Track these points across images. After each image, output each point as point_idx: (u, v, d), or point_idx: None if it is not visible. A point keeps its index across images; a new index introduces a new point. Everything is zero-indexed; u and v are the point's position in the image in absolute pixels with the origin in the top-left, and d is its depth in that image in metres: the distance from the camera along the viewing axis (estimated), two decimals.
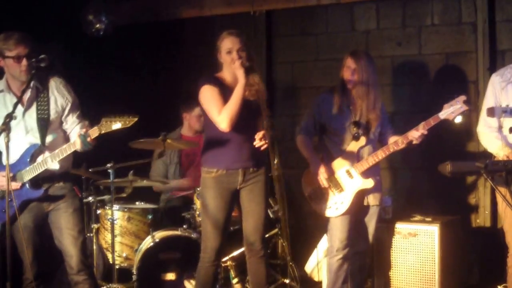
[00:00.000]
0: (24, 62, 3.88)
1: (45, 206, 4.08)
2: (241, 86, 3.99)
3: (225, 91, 4.08)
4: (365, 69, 4.38)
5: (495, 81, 4.39)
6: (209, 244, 4.18)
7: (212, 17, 6.34)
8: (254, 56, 4.19)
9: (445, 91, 4.57)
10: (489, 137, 4.36)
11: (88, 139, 3.79)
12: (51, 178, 4.06)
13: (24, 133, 4.02)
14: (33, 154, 3.99)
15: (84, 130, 3.84)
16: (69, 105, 4.11)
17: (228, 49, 4.10)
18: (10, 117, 3.61)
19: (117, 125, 3.74)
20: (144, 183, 5.18)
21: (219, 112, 4.01)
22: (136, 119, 3.74)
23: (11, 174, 3.92)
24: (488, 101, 4.39)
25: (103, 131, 3.77)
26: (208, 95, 4.08)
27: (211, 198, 4.14)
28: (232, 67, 4.07)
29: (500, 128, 4.35)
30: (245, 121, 4.04)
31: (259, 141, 3.96)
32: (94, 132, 3.79)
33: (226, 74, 4.20)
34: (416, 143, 4.33)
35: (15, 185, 3.97)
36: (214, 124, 4.07)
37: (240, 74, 3.99)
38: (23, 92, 3.88)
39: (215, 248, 4.17)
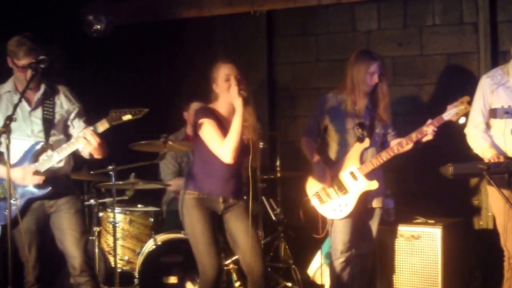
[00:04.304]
0: (29, 72, 3.87)
1: (47, 208, 4.08)
2: (239, 116, 3.86)
3: (221, 123, 3.99)
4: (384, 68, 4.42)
5: (485, 83, 4.39)
6: (207, 263, 3.96)
7: (213, 17, 6.33)
8: (248, 89, 4.02)
9: (446, 92, 4.55)
10: (475, 138, 4.37)
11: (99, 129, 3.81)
12: (54, 179, 4.05)
13: (30, 133, 4.04)
14: (36, 151, 3.99)
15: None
16: (77, 109, 4.17)
17: (226, 75, 3.97)
18: (10, 119, 3.61)
19: (127, 116, 3.75)
20: (146, 185, 5.14)
21: (220, 145, 3.91)
22: (146, 110, 3.74)
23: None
24: (477, 103, 4.39)
25: (113, 123, 3.79)
26: (207, 129, 3.95)
27: (197, 215, 4.00)
28: (229, 95, 3.93)
29: (487, 128, 4.34)
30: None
31: None
32: (103, 125, 3.80)
33: (221, 105, 4.06)
34: (424, 142, 4.30)
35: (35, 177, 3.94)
36: (202, 153, 4.03)
37: (238, 104, 3.87)
38: (24, 92, 3.85)
39: (215, 266, 3.95)
